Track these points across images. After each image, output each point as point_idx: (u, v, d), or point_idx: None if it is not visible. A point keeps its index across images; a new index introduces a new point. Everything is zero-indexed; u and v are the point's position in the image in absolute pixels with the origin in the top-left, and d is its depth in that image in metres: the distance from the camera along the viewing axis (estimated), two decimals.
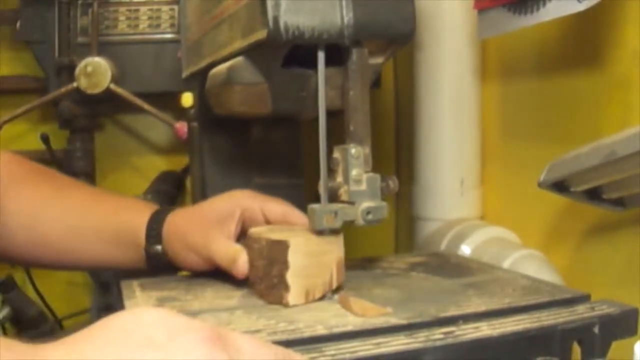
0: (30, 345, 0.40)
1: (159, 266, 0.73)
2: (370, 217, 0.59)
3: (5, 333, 1.12)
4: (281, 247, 0.58)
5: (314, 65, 0.59)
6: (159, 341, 0.39)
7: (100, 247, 0.74)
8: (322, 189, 0.60)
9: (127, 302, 0.62)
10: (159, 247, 0.72)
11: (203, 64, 0.78)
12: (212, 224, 0.68)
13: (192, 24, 0.85)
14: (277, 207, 0.68)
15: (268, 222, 0.68)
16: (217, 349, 0.40)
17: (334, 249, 0.61)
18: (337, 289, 0.62)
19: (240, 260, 0.64)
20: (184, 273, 0.74)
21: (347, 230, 0.61)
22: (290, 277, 0.58)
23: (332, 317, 0.56)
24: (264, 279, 0.60)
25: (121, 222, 0.74)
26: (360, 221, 0.59)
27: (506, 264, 0.83)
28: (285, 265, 0.58)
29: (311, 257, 0.59)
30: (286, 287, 0.58)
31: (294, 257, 0.58)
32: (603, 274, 0.81)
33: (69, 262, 0.77)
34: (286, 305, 0.58)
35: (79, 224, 0.74)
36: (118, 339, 0.40)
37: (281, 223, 0.67)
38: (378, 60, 0.64)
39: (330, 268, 0.61)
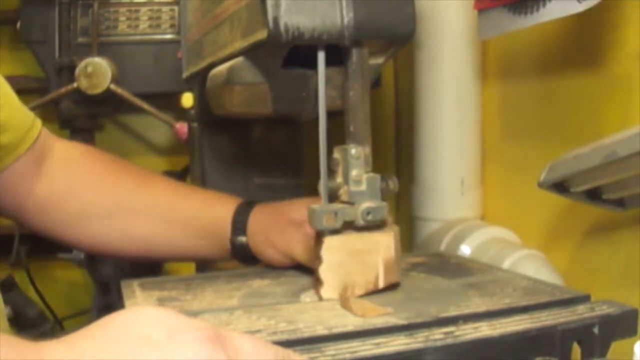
0: (32, 343, 0.40)
1: (243, 257, 0.75)
2: (370, 217, 0.59)
3: None
4: (319, 243, 0.60)
5: (314, 65, 0.59)
6: (158, 340, 0.39)
7: (186, 240, 0.76)
8: (322, 189, 0.60)
9: (127, 302, 0.62)
10: (243, 239, 0.73)
11: (203, 64, 0.78)
12: (292, 224, 0.70)
13: (192, 24, 0.85)
14: None
15: None
16: (216, 348, 0.40)
17: (381, 249, 0.61)
18: (392, 287, 0.62)
19: None
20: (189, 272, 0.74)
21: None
22: (323, 272, 0.60)
23: (332, 317, 0.56)
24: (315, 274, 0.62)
25: (208, 214, 0.76)
26: (360, 221, 0.59)
27: (506, 264, 0.83)
28: (319, 260, 0.60)
29: (351, 254, 0.60)
30: (320, 282, 0.60)
31: (328, 253, 0.60)
32: (603, 274, 0.81)
33: (151, 253, 0.78)
34: (320, 299, 0.60)
35: (166, 217, 0.76)
36: (117, 337, 0.40)
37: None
38: (378, 60, 0.64)
39: (375, 267, 0.61)
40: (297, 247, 0.69)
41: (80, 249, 0.83)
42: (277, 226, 0.71)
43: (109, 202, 0.75)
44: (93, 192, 0.75)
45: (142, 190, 0.77)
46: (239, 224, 0.74)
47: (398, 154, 1.27)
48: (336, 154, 0.60)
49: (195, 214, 0.76)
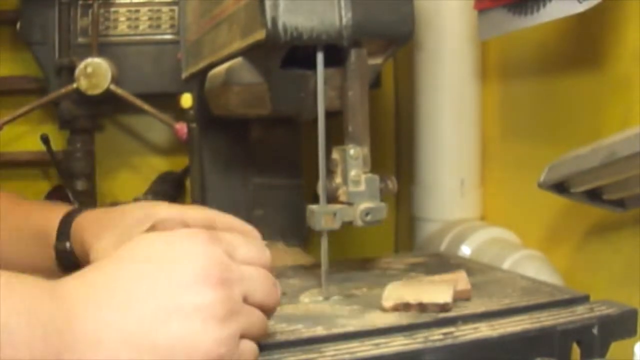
0: (48, 284, 0.41)
1: (66, 265, 0.71)
2: (369, 218, 0.59)
3: None
4: None
5: (313, 65, 0.59)
6: (159, 252, 0.43)
7: (16, 246, 0.73)
8: (320, 190, 0.59)
9: None
10: (67, 244, 0.70)
11: (202, 64, 0.78)
12: (113, 226, 0.66)
13: (191, 24, 0.85)
14: (198, 214, 0.66)
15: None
16: (213, 244, 0.44)
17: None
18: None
19: None
20: None
21: (347, 230, 0.61)
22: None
23: (331, 317, 0.56)
24: None
25: (37, 220, 0.73)
26: (358, 222, 0.59)
27: (506, 265, 0.83)
28: None
29: None
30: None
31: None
32: (603, 275, 0.81)
33: None
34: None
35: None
36: (122, 260, 0.43)
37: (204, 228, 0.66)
38: (377, 60, 0.64)
39: None
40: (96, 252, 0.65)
41: None
42: (95, 228, 0.67)
43: None
44: None
45: None
46: (64, 228, 0.70)
47: (398, 154, 1.27)
48: (335, 155, 0.60)
49: (25, 220, 0.73)
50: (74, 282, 0.42)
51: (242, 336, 0.43)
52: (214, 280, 0.42)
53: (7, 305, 0.37)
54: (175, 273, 0.42)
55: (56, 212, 0.73)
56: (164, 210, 0.67)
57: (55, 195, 1.18)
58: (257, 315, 0.45)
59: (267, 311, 0.47)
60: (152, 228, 0.64)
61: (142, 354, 0.40)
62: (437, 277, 0.62)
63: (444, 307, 0.54)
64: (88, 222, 0.69)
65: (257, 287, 0.45)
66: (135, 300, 0.41)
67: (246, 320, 0.44)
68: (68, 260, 0.70)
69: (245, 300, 0.44)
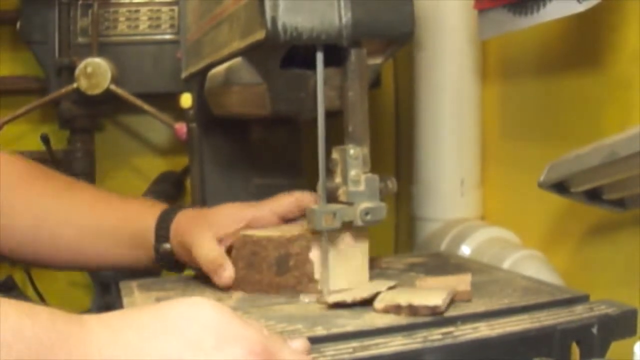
0: (75, 320, 0.39)
1: (168, 264, 0.73)
2: (368, 217, 0.59)
3: None
4: None
5: (312, 65, 0.59)
6: (206, 348, 0.40)
7: (111, 248, 0.75)
8: (320, 190, 0.59)
9: (125, 300, 0.63)
10: (167, 245, 0.72)
11: (202, 64, 0.78)
12: (209, 225, 0.68)
13: (191, 24, 0.85)
14: (285, 199, 0.68)
15: (283, 219, 0.69)
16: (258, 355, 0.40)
17: None
18: None
19: (223, 267, 0.64)
20: (189, 272, 0.74)
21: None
22: None
23: (331, 317, 0.56)
24: None
25: (131, 222, 0.74)
26: (358, 222, 0.59)
27: (506, 264, 0.83)
28: None
29: None
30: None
31: None
32: (603, 275, 0.81)
33: (79, 263, 0.77)
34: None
35: (90, 225, 0.75)
36: (166, 333, 0.40)
37: (295, 212, 0.68)
38: (377, 60, 0.64)
39: None
40: (200, 251, 0.66)
41: (13, 259, 0.80)
42: (194, 228, 0.69)
43: (35, 211, 0.74)
44: (19, 201, 0.73)
45: (65, 198, 0.75)
46: (162, 230, 0.72)
47: (398, 154, 1.27)
48: (335, 154, 0.60)
49: (121, 222, 0.75)
50: (104, 333, 0.39)
51: None
52: None
53: (10, 354, 0.35)
54: None
55: (151, 213, 0.74)
56: (255, 209, 0.69)
57: None
58: None
59: None
60: (247, 226, 0.67)
61: None
62: (441, 279, 0.61)
63: (434, 310, 0.53)
64: (185, 223, 0.71)
65: None
66: None
67: None
68: (169, 260, 0.72)
69: None
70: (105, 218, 0.75)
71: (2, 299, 0.37)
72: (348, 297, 0.58)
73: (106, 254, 0.75)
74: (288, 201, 0.68)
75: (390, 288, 0.59)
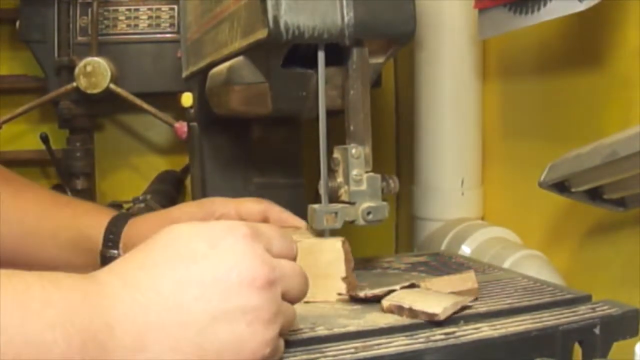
0: (88, 279, 0.40)
1: None
2: (370, 217, 0.59)
3: None
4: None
5: (314, 65, 0.59)
6: (204, 252, 0.42)
7: (56, 251, 0.72)
8: (322, 189, 0.59)
9: None
10: (115, 252, 0.70)
11: (203, 63, 0.77)
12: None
13: (192, 23, 0.85)
14: (254, 206, 0.68)
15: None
16: (254, 242, 0.43)
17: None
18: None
19: None
20: None
21: (347, 230, 0.61)
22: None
23: (332, 317, 0.56)
24: None
25: (79, 226, 0.72)
26: (360, 221, 0.59)
27: (507, 264, 0.83)
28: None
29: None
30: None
31: None
32: (604, 275, 0.81)
33: (21, 263, 0.72)
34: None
35: (37, 227, 0.72)
36: (164, 258, 0.42)
37: (260, 222, 0.66)
38: (378, 60, 0.64)
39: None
40: None
41: None
42: (153, 232, 0.68)
43: None
44: None
45: (14, 200, 0.73)
46: (112, 235, 0.70)
47: (398, 154, 1.27)
48: (336, 154, 0.60)
49: (66, 223, 0.72)
50: (114, 280, 0.40)
51: (280, 333, 0.44)
52: (260, 282, 0.41)
53: (41, 321, 0.36)
54: (221, 276, 0.41)
55: (101, 217, 0.72)
56: (220, 205, 0.68)
57: None
58: (291, 310, 0.46)
59: (295, 302, 0.47)
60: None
61: (189, 358, 0.39)
62: (445, 279, 0.61)
63: (431, 317, 0.53)
64: (143, 228, 0.69)
65: (294, 283, 0.45)
66: (181, 305, 0.40)
67: (284, 318, 0.44)
68: None
69: (283, 297, 0.44)
70: (47, 218, 0.73)
71: (19, 272, 0.38)
72: (361, 292, 0.58)
73: (48, 256, 0.72)
74: (255, 210, 0.67)
75: (405, 287, 0.59)
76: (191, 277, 0.41)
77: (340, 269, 0.59)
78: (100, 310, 0.38)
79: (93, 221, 0.72)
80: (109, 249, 0.70)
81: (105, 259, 0.70)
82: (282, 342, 0.45)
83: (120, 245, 0.70)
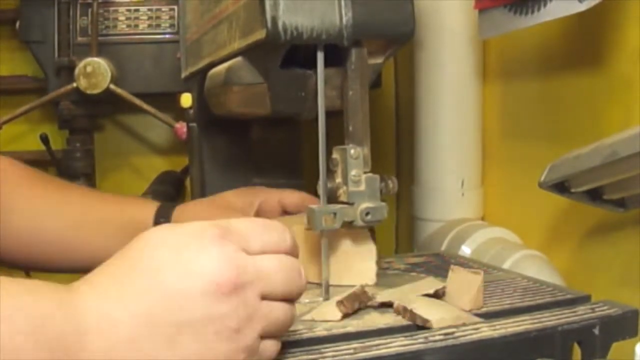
0: (64, 290, 0.40)
1: None
2: (369, 217, 0.59)
3: None
4: None
5: (313, 65, 0.59)
6: (167, 260, 0.40)
7: (103, 241, 0.73)
8: (321, 190, 0.59)
9: None
10: None
11: (202, 64, 0.77)
12: (229, 212, 0.69)
13: (191, 24, 0.85)
14: (294, 196, 0.72)
15: (286, 212, 0.72)
16: (223, 243, 0.41)
17: None
18: None
19: None
20: None
21: None
22: None
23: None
24: None
25: (126, 215, 0.74)
26: (359, 222, 0.59)
27: (507, 265, 0.83)
28: None
29: None
30: None
31: None
32: (604, 275, 0.81)
33: (71, 259, 0.75)
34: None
35: (82, 218, 0.74)
36: (132, 269, 0.41)
37: (300, 211, 0.71)
38: (377, 60, 0.64)
39: None
40: None
41: (12, 263, 0.80)
42: (215, 211, 0.69)
43: (32, 213, 0.73)
44: (18, 203, 0.72)
45: (58, 195, 0.75)
46: (162, 219, 0.72)
47: (398, 155, 1.27)
48: (335, 154, 0.60)
49: (112, 214, 0.74)
50: (86, 290, 0.40)
51: (263, 336, 0.42)
52: (226, 289, 0.40)
53: (12, 326, 0.36)
54: (184, 286, 0.40)
55: (149, 205, 0.74)
56: (263, 192, 0.72)
57: None
58: (278, 310, 0.43)
59: (292, 300, 0.44)
60: (257, 214, 0.69)
61: None
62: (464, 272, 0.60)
63: (425, 323, 0.53)
64: (191, 213, 0.71)
65: (278, 280, 0.43)
66: (148, 317, 0.39)
67: (265, 320, 0.42)
68: None
69: (265, 297, 0.42)
70: (93, 211, 0.74)
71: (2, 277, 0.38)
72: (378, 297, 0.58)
73: (96, 246, 0.73)
74: (295, 200, 0.71)
75: (428, 295, 0.58)
76: (156, 288, 0.39)
77: (370, 255, 0.62)
78: (73, 320, 0.38)
79: (142, 209, 0.75)
80: None
81: None
82: (272, 344, 0.44)
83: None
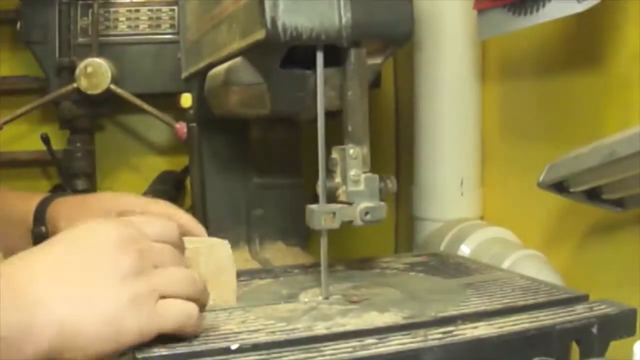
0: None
1: None
2: (368, 217, 0.59)
3: None
4: None
5: (312, 65, 0.59)
6: (83, 238, 0.50)
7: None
8: (320, 190, 0.60)
9: None
10: (42, 228, 0.74)
11: (202, 64, 0.78)
12: (91, 214, 0.70)
13: (191, 24, 0.85)
14: (159, 208, 0.72)
15: None
16: (125, 223, 0.51)
17: None
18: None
19: None
20: None
21: (347, 230, 0.61)
22: None
23: (330, 316, 0.56)
24: None
25: (13, 205, 0.77)
26: (358, 221, 0.59)
27: (506, 264, 0.83)
28: None
29: None
30: None
31: None
32: (603, 275, 0.81)
33: None
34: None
35: None
36: (51, 244, 0.50)
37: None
38: (376, 60, 0.64)
39: None
40: None
41: None
42: (72, 215, 0.72)
43: None
44: None
45: None
46: (40, 213, 0.75)
47: (398, 154, 1.27)
48: (334, 154, 0.60)
49: (3, 206, 0.77)
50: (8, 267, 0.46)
51: (163, 295, 0.48)
52: (125, 247, 0.48)
53: None
54: (94, 248, 0.48)
55: (34, 199, 0.77)
56: (130, 200, 0.73)
57: None
58: (175, 275, 0.50)
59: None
60: (119, 216, 0.68)
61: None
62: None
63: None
64: (62, 208, 0.74)
65: (166, 258, 0.51)
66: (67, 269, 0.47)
67: (160, 281, 0.49)
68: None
69: (157, 267, 0.50)
70: None
71: None
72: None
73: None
74: (161, 210, 0.71)
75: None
76: (72, 251, 0.49)
77: (230, 271, 0.61)
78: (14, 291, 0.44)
79: (26, 202, 0.77)
80: (37, 226, 0.75)
81: (36, 236, 0.75)
82: (175, 304, 0.49)
83: (46, 222, 0.75)
